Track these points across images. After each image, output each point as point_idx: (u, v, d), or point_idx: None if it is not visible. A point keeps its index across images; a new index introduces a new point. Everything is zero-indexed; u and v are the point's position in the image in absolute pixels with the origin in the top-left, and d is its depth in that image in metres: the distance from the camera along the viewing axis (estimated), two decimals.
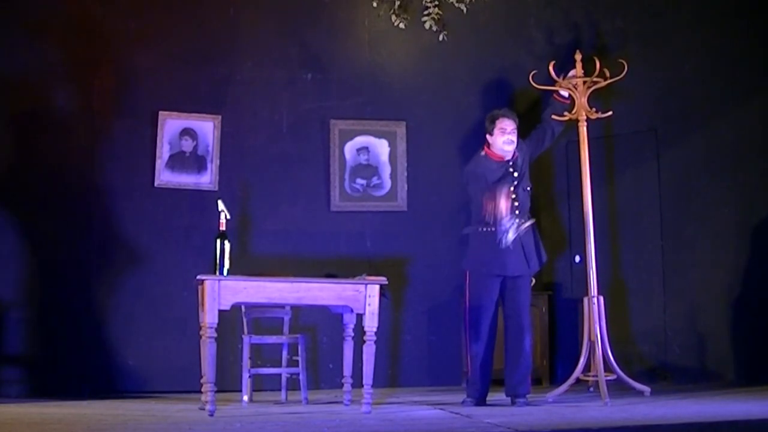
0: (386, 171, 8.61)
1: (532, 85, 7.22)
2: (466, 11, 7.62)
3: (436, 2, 7.52)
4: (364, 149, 8.59)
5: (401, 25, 7.73)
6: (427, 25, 7.58)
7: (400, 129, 8.64)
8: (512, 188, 6.76)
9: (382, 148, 8.62)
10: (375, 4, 7.70)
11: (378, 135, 8.62)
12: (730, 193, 8.05)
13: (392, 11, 7.68)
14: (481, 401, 6.77)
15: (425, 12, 7.55)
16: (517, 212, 6.76)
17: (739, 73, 8.12)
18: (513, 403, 6.71)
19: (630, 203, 8.39)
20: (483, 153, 6.89)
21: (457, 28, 8.05)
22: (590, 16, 8.63)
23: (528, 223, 6.72)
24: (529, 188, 6.90)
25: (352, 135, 8.59)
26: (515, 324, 6.77)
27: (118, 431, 5.35)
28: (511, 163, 6.82)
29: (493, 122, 6.86)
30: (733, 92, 8.14)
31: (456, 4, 7.50)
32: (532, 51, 8.74)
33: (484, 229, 6.75)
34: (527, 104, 8.43)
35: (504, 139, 6.80)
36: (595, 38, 8.47)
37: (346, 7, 8.68)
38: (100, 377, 7.97)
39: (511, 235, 6.61)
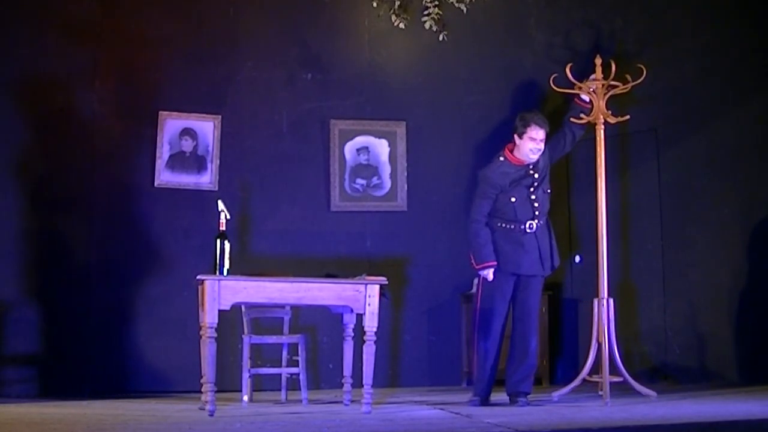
0: (386, 171, 8.61)
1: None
2: (466, 11, 7.62)
3: (436, 2, 7.52)
4: (364, 149, 8.59)
5: (401, 25, 7.73)
6: (427, 25, 7.58)
7: (400, 129, 8.63)
8: (532, 189, 6.79)
9: (382, 148, 8.62)
10: (375, 4, 7.70)
11: (378, 135, 8.62)
12: (730, 193, 8.05)
13: (392, 11, 7.68)
14: (486, 400, 6.79)
15: (425, 12, 7.55)
16: (536, 213, 6.80)
17: (739, 73, 8.12)
18: (512, 402, 6.71)
19: (630, 203, 8.39)
20: (502, 158, 6.84)
21: (457, 28, 8.05)
22: (590, 17, 8.63)
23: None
24: (549, 190, 6.93)
25: (352, 135, 8.59)
26: (524, 325, 6.80)
27: (118, 431, 5.35)
28: (531, 166, 6.83)
29: (525, 126, 6.76)
30: (733, 92, 8.14)
31: (456, 4, 7.50)
32: (532, 51, 8.74)
33: (502, 225, 6.79)
34: (527, 104, 8.42)
35: (531, 147, 6.76)
36: (595, 38, 8.46)
37: (346, 7, 8.68)
38: (100, 377, 7.97)
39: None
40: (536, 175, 6.82)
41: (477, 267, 6.79)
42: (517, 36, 8.80)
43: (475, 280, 8.31)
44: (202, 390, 6.16)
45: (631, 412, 6.05)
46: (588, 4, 8.71)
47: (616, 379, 6.80)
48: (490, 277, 6.74)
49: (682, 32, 8.36)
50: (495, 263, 6.73)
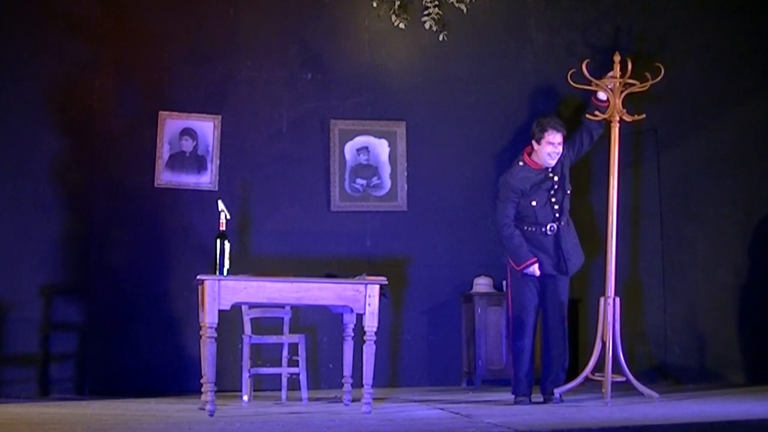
0: (386, 171, 8.61)
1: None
2: (466, 11, 7.62)
3: (436, 2, 7.52)
4: (364, 149, 8.59)
5: (401, 25, 7.73)
6: (427, 25, 7.58)
7: (400, 129, 8.63)
8: (552, 192, 6.82)
9: (382, 148, 8.62)
10: (375, 4, 7.70)
11: (378, 135, 8.62)
12: (730, 193, 8.05)
13: (392, 11, 7.68)
14: (529, 399, 6.85)
15: (425, 12, 7.55)
16: (557, 215, 6.84)
17: (739, 73, 8.12)
18: (547, 401, 6.81)
19: (630, 203, 8.39)
20: (521, 163, 6.90)
21: (457, 28, 8.05)
22: (590, 17, 8.63)
23: None
24: (569, 191, 6.96)
25: (352, 135, 8.59)
26: (554, 325, 6.88)
27: (118, 431, 5.35)
28: (550, 169, 6.87)
29: (542, 131, 6.82)
30: (733, 92, 8.14)
31: (456, 4, 7.50)
32: (532, 51, 8.74)
33: (524, 228, 6.85)
34: (527, 104, 8.42)
35: (549, 151, 6.82)
36: (596, 38, 8.46)
37: (346, 7, 8.68)
38: (100, 377, 7.97)
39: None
40: (556, 178, 6.87)
41: (519, 268, 6.83)
42: (517, 36, 8.80)
43: (472, 280, 8.33)
44: (202, 390, 6.16)
45: (631, 412, 6.05)
46: (588, 4, 8.70)
47: (618, 378, 6.79)
48: (538, 272, 6.80)
49: (682, 32, 8.36)
50: (535, 259, 6.80)
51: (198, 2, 8.51)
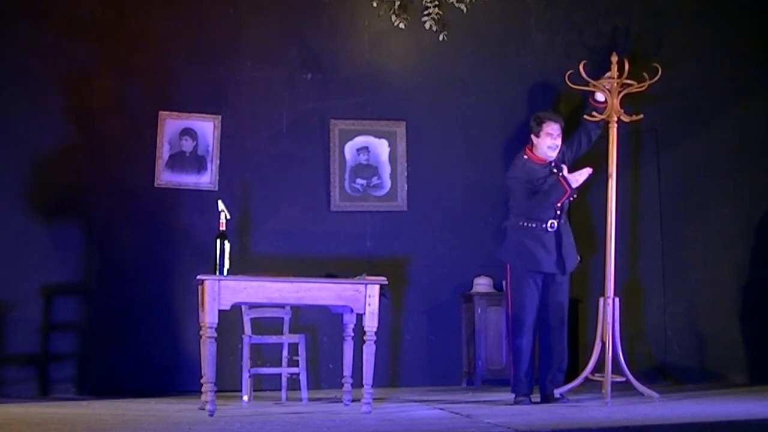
0: (386, 171, 8.61)
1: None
2: (466, 11, 7.61)
3: (436, 2, 7.51)
4: (364, 149, 8.59)
5: (401, 25, 7.72)
6: (427, 25, 7.58)
7: (400, 129, 8.63)
8: None
9: (382, 148, 8.62)
10: (375, 4, 7.70)
11: (378, 135, 8.62)
12: (730, 193, 8.05)
13: (392, 11, 7.67)
14: (529, 398, 6.82)
15: (425, 12, 7.55)
16: (558, 212, 6.84)
17: (739, 73, 8.11)
18: (549, 401, 6.78)
19: (630, 203, 8.39)
20: (525, 156, 6.91)
21: (457, 28, 8.05)
22: (590, 17, 8.63)
23: None
24: None
25: (352, 135, 8.59)
26: (554, 324, 6.85)
27: (118, 431, 5.35)
28: (553, 164, 6.87)
29: (539, 124, 6.86)
30: (733, 92, 8.14)
31: (456, 5, 7.50)
32: (532, 51, 8.74)
33: (523, 224, 6.83)
34: (527, 104, 8.42)
35: (549, 143, 6.85)
36: (596, 39, 8.46)
37: (346, 7, 8.68)
38: (100, 377, 7.97)
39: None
40: (558, 173, 6.85)
41: (570, 192, 6.72)
42: (517, 36, 8.80)
43: (472, 280, 8.33)
44: (202, 390, 6.16)
45: (631, 412, 6.06)
46: (588, 4, 8.71)
47: (618, 378, 6.79)
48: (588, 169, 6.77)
49: (682, 32, 8.35)
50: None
51: (198, 2, 8.51)
